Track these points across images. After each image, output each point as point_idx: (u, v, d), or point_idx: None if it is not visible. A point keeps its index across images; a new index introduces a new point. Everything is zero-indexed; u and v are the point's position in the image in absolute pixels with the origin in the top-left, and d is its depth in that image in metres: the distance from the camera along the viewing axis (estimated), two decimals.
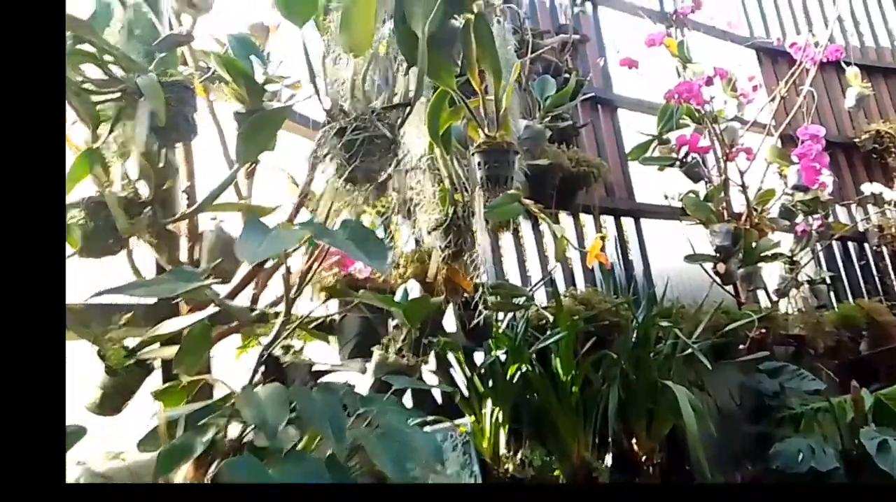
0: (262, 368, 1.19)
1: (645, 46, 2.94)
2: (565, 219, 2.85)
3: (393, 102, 1.21)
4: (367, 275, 1.68)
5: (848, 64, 3.77)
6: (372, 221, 1.94)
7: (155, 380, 1.42)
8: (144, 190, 1.27)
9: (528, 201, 1.91)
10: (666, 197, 3.01)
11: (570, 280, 2.69)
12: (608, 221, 3.04)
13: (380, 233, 2.00)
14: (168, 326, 1.26)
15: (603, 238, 2.01)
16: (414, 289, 1.57)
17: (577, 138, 2.95)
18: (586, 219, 2.92)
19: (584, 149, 3.07)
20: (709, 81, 2.86)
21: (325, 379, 1.56)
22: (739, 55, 4.20)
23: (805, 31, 4.18)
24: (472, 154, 1.42)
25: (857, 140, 4.17)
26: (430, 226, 1.75)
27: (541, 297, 2.54)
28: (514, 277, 2.55)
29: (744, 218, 3.13)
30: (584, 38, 3.31)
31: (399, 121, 1.21)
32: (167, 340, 1.32)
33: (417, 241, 1.86)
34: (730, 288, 2.99)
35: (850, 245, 3.93)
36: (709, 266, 2.99)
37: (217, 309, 1.28)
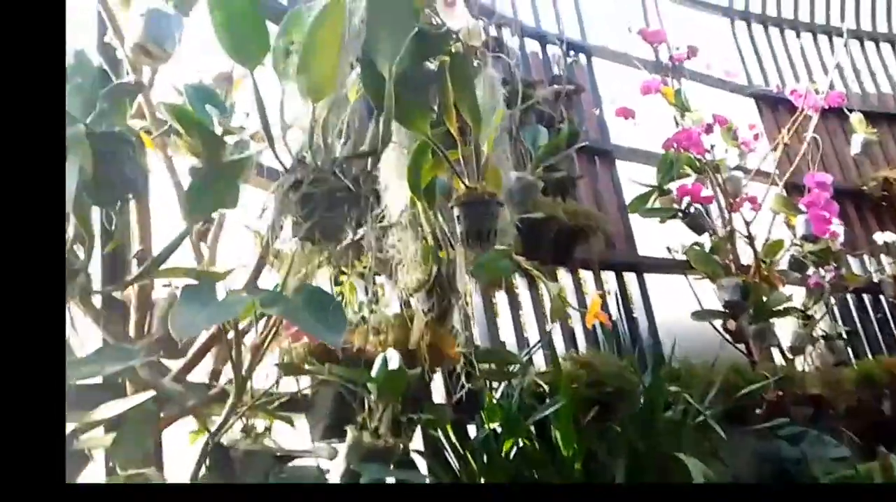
0: (207, 460, 1.02)
1: (640, 94, 2.84)
2: (564, 275, 2.70)
3: (361, 150, 1.07)
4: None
5: (851, 110, 3.68)
6: (350, 282, 1.80)
7: (98, 472, 1.25)
8: (81, 253, 1.12)
9: (520, 257, 1.76)
10: (669, 250, 2.86)
11: (570, 341, 2.51)
12: (609, 277, 2.89)
13: (360, 296, 1.85)
14: (107, 410, 1.10)
15: (602, 296, 1.85)
16: (393, 359, 1.41)
17: (574, 190, 2.82)
18: (586, 276, 2.76)
19: (581, 201, 2.95)
20: (708, 129, 2.75)
21: (294, 463, 1.38)
22: (739, 104, 4.13)
23: (804, 79, 4.11)
24: (451, 207, 1.28)
25: (864, 188, 4.05)
26: (413, 287, 1.60)
27: (541, 361, 2.37)
28: (510, 339, 2.38)
29: (752, 271, 2.98)
30: (579, 89, 3.22)
31: (367, 171, 1.07)
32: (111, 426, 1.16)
33: (402, 304, 1.71)
34: (742, 346, 2.81)
35: (865, 297, 3.76)
36: (718, 323, 2.83)
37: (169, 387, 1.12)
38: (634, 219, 3.13)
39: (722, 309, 2.75)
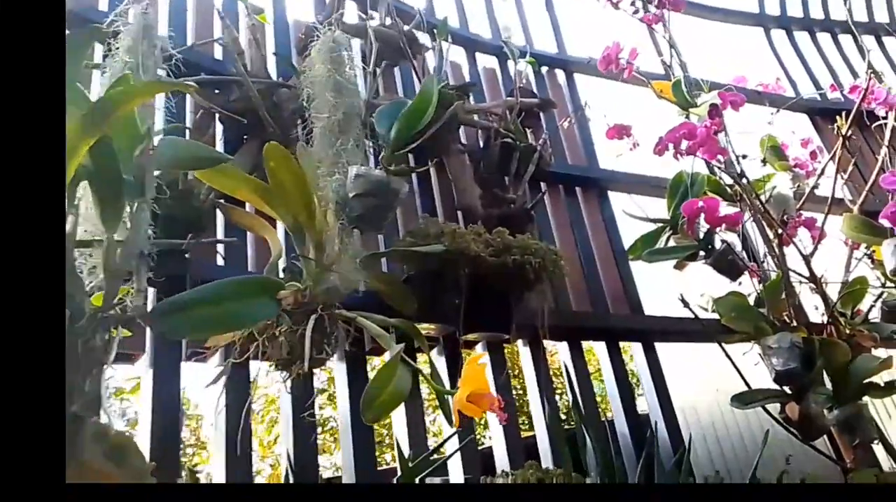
0: None
1: (600, 68, 1.98)
2: (521, 347, 1.79)
3: None
4: None
5: None
6: None
7: None
8: None
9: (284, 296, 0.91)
10: (685, 303, 1.90)
11: (527, 450, 1.56)
12: (598, 349, 1.95)
13: None
14: None
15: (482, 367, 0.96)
16: None
17: (533, 226, 1.95)
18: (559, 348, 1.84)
19: (557, 247, 2.07)
20: (714, 114, 1.83)
21: None
22: (788, 124, 3.23)
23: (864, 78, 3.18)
24: None
25: None
26: None
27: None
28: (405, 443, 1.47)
29: (825, 327, 1.98)
30: (548, 104, 2.41)
31: None
32: None
33: None
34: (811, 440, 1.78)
35: None
36: (777, 408, 1.83)
37: None
38: (638, 269, 2.22)
39: (775, 385, 1.75)
